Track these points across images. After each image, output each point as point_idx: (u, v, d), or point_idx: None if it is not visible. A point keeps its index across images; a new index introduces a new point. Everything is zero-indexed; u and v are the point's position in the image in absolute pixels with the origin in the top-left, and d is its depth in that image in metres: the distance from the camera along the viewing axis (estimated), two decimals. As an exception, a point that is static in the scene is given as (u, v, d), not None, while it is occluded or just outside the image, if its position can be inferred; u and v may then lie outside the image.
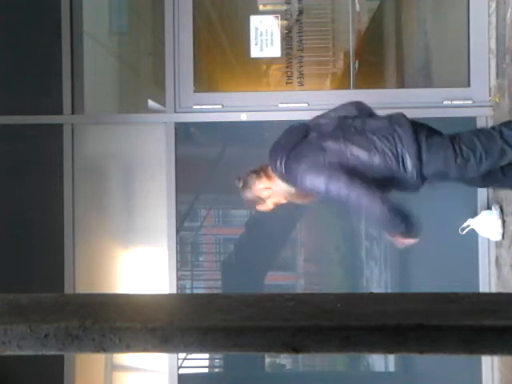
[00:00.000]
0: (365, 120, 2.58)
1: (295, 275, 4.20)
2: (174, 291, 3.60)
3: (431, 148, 2.48)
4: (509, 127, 2.59)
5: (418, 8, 4.30)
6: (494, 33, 3.45)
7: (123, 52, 4.52)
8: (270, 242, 4.02)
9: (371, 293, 0.98)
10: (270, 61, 4.00)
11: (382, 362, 3.96)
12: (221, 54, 4.29)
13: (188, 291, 4.09)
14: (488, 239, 3.45)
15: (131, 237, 3.73)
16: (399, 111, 2.65)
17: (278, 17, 3.76)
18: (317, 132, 2.57)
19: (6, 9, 3.75)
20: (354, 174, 2.42)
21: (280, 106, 3.63)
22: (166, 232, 3.62)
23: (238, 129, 3.74)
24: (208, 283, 4.40)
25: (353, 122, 2.56)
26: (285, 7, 3.81)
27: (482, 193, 3.48)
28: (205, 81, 3.99)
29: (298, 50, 3.77)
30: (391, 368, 4.01)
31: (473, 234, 3.43)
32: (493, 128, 2.72)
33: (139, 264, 3.70)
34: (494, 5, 3.45)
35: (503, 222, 3.33)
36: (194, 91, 3.67)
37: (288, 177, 2.53)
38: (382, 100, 3.38)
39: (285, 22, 3.80)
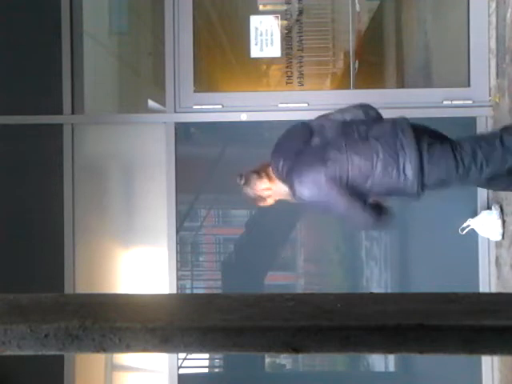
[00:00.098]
0: (370, 125, 2.56)
1: (295, 275, 4.20)
2: (174, 291, 3.60)
3: (432, 158, 2.48)
4: (509, 133, 2.58)
5: (418, 8, 4.30)
6: (494, 33, 3.45)
7: (123, 52, 4.52)
8: (270, 242, 4.02)
9: (371, 293, 0.98)
10: (270, 61, 3.99)
11: (381, 362, 3.96)
12: (221, 53, 4.29)
13: (188, 291, 4.09)
14: (488, 239, 3.45)
15: (131, 237, 3.73)
16: (403, 115, 2.63)
17: (277, 17, 3.76)
18: (320, 136, 2.55)
19: (6, 9, 3.75)
20: (352, 188, 2.47)
21: (280, 106, 3.63)
22: (166, 232, 3.62)
23: (237, 129, 3.74)
24: (208, 283, 4.40)
25: (357, 128, 2.55)
26: (285, 7, 3.81)
27: (482, 193, 3.48)
28: (205, 81, 3.99)
29: (298, 50, 3.76)
30: (391, 368, 4.01)
31: (473, 233, 3.42)
32: (494, 134, 2.71)
33: (139, 264, 3.70)
34: (494, 5, 3.45)
35: (503, 221, 3.32)
36: (194, 91, 3.67)
37: (288, 182, 2.54)
38: (382, 100, 3.37)
39: (285, 22, 3.80)
